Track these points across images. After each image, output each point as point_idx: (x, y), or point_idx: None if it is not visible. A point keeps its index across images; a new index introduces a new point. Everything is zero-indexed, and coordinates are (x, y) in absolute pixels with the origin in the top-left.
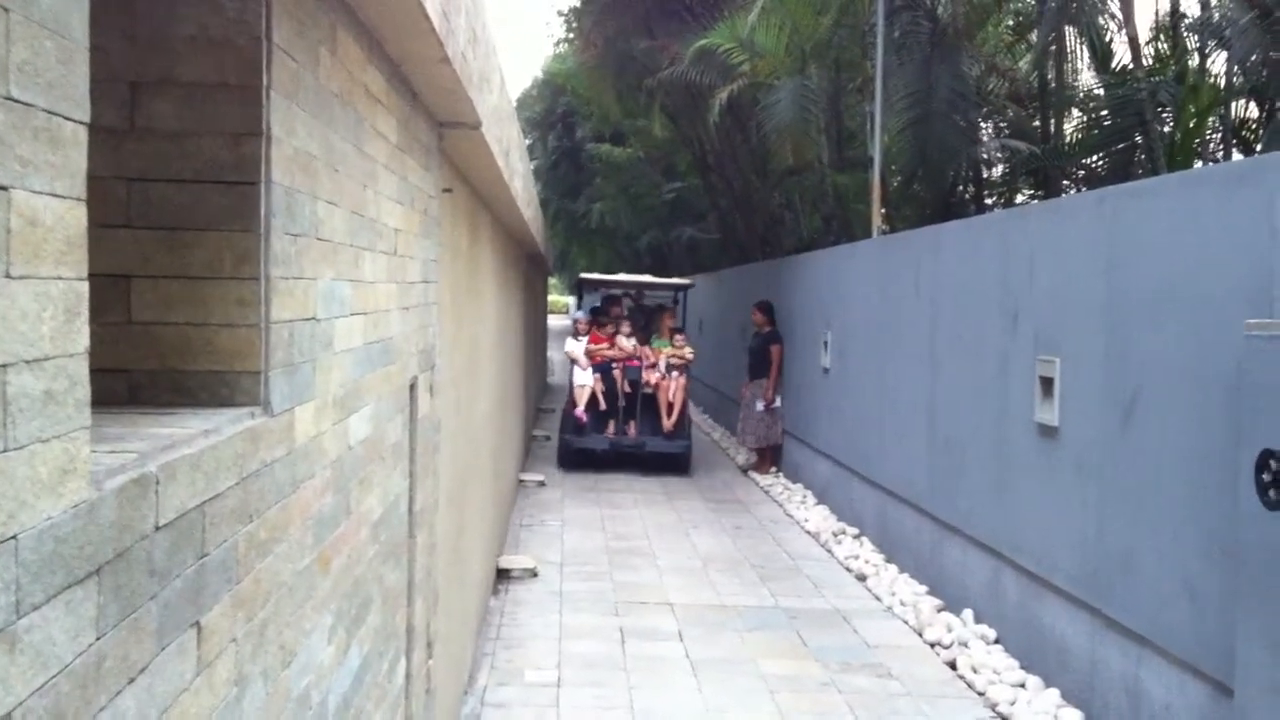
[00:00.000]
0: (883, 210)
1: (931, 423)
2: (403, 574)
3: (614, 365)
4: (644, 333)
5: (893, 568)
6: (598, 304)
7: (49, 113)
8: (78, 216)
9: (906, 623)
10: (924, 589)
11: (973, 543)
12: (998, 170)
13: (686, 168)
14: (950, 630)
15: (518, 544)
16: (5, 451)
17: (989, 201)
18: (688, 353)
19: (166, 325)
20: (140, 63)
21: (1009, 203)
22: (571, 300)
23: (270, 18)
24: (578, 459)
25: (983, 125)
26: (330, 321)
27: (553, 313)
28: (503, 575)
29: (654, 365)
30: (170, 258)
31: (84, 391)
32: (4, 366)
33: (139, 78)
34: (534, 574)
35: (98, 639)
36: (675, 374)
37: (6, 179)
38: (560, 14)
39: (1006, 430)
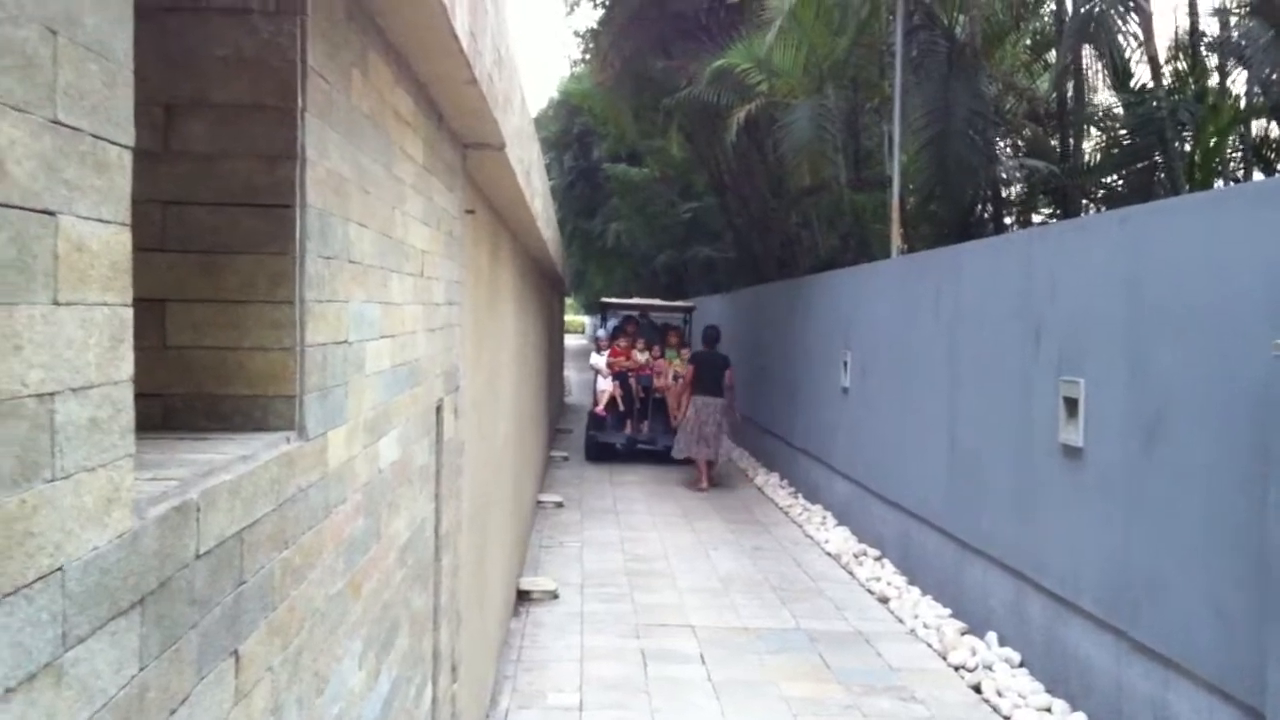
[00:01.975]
0: (900, 230)
1: (953, 443)
2: (429, 597)
3: (630, 374)
4: (659, 347)
5: (915, 590)
6: (618, 323)
7: (94, 137)
8: (123, 241)
9: (930, 645)
10: (947, 611)
11: (996, 564)
12: (1015, 189)
13: (703, 187)
14: (974, 653)
15: (537, 565)
16: (53, 481)
17: (1007, 221)
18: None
19: (201, 349)
20: (174, 85)
21: (1027, 222)
22: (586, 319)
23: (305, 39)
24: (601, 451)
25: (1001, 144)
26: (361, 344)
27: (569, 332)
28: (523, 597)
29: (664, 374)
30: (204, 281)
31: (128, 419)
32: (51, 395)
33: (173, 100)
34: (554, 595)
35: (140, 670)
36: (681, 382)
37: (54, 204)
38: (577, 34)
39: (1030, 451)
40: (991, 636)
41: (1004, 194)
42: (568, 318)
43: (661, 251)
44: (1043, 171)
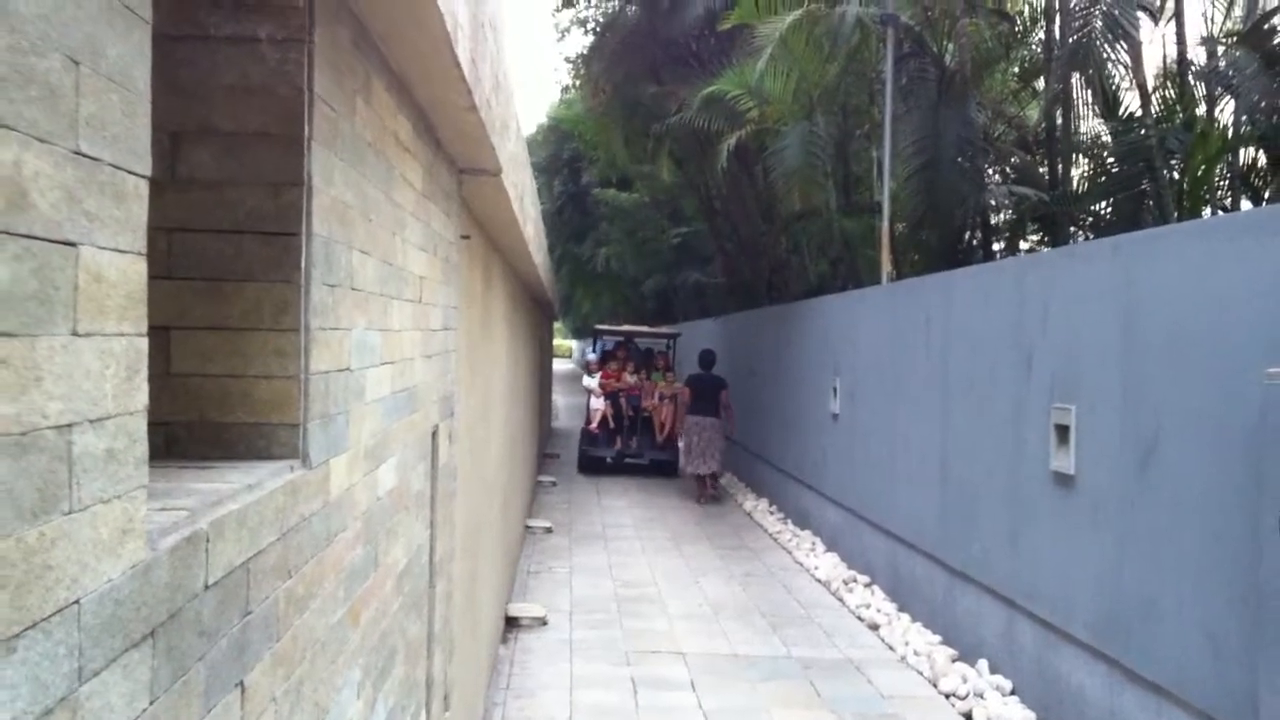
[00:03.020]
0: (890, 256)
1: (944, 470)
2: (423, 625)
3: (620, 394)
4: (646, 370)
5: (905, 616)
6: (608, 347)
7: (114, 167)
8: (139, 271)
9: (920, 673)
10: (937, 638)
11: (987, 591)
12: (1004, 216)
13: (693, 212)
14: (965, 680)
15: (526, 591)
16: (70, 514)
17: (995, 248)
18: (678, 386)
19: (205, 377)
20: (181, 112)
21: (1015, 249)
22: (574, 344)
23: (312, 67)
24: (593, 464)
25: (989, 172)
26: (362, 371)
27: (557, 356)
28: (511, 623)
29: (651, 394)
30: (210, 309)
31: (142, 449)
32: (69, 426)
33: (180, 127)
34: (543, 622)
35: (151, 703)
36: (666, 401)
37: (75, 235)
38: (568, 60)
39: (1021, 478)
40: (982, 664)
41: (992, 221)
42: (555, 342)
43: (651, 276)
44: (1031, 199)
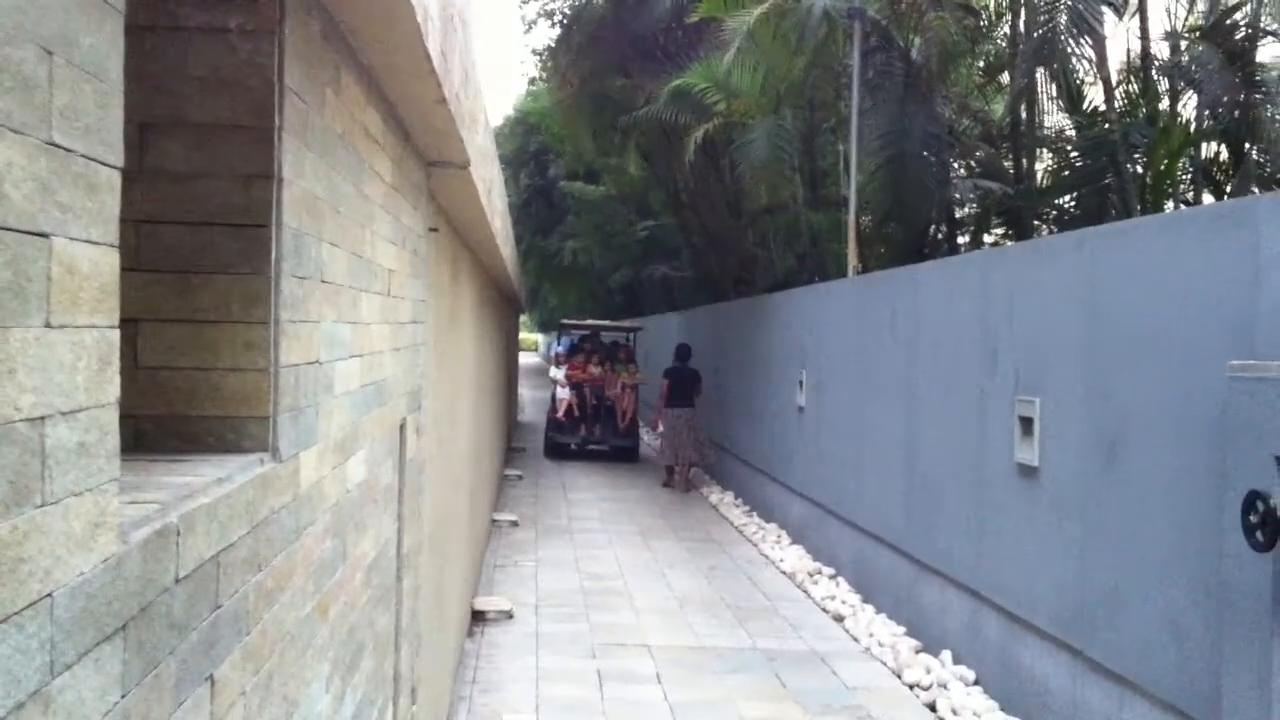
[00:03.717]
0: (856, 249)
1: (910, 462)
2: (391, 618)
3: (585, 385)
4: (610, 362)
5: (869, 608)
6: (574, 340)
7: (87, 158)
8: (111, 263)
9: (885, 664)
10: (901, 630)
11: (951, 583)
12: (969, 210)
13: (660, 206)
14: (929, 671)
15: (492, 585)
16: (43, 506)
17: (960, 241)
18: (639, 377)
19: (174, 370)
20: (151, 104)
21: (980, 243)
22: (540, 337)
23: (283, 58)
24: (559, 450)
25: (955, 166)
26: (332, 364)
27: (523, 350)
28: (477, 617)
29: (614, 385)
30: (178, 301)
31: (114, 442)
32: (42, 419)
33: (149, 119)
34: (509, 615)
35: (122, 697)
36: (628, 390)
37: (48, 226)
38: (535, 53)
39: (986, 470)
40: (946, 655)
41: (957, 215)
42: (522, 335)
43: (618, 270)
44: (996, 193)
